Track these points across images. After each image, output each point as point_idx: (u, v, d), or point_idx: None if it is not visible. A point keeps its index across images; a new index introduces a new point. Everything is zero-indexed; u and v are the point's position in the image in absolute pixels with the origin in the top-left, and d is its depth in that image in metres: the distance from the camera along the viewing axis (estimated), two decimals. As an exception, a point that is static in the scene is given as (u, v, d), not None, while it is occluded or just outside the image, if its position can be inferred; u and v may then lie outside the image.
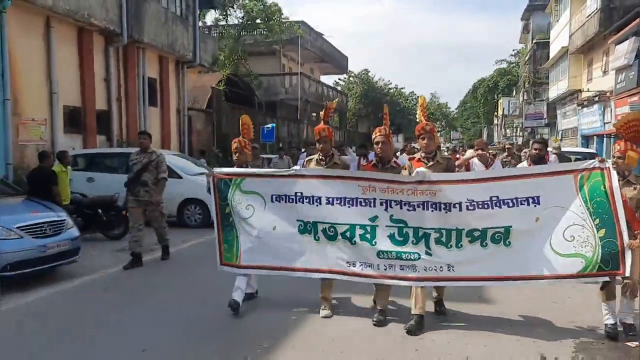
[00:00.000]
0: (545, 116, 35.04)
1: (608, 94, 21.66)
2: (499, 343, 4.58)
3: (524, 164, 7.32)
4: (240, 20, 30.04)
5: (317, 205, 5.18)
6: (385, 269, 5.02)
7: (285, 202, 5.30)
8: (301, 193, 5.22)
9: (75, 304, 5.90)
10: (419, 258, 4.92)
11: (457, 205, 4.85)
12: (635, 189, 4.75)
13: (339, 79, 53.69)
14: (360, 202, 5.05)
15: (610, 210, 4.62)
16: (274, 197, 5.33)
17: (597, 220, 4.65)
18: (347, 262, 5.13)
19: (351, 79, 55.03)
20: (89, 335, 4.84)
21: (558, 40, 29.90)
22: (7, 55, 10.81)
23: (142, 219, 7.64)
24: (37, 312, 5.61)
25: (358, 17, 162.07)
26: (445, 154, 10.19)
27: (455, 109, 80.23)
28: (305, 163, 5.67)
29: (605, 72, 22.78)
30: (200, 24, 22.51)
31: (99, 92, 14.20)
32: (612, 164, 4.71)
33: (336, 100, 5.33)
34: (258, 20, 29.88)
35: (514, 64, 53.94)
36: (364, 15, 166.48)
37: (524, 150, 13.82)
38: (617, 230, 4.60)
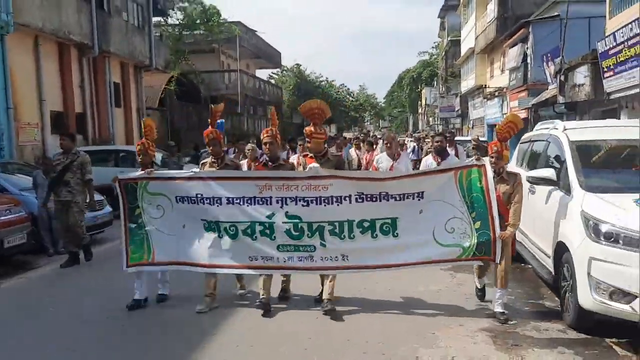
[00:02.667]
0: (458, 107, 39.11)
1: (505, 90, 25.52)
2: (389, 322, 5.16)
3: (429, 157, 7.48)
4: (181, 21, 31.96)
5: (218, 206, 5.38)
6: (285, 261, 5.33)
7: (189, 202, 5.47)
8: (201, 195, 5.41)
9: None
10: (315, 250, 5.26)
11: (347, 198, 5.19)
12: (507, 184, 5.11)
13: (273, 73, 55.71)
14: (258, 200, 5.30)
15: (485, 205, 4.98)
16: (178, 198, 5.50)
17: (474, 213, 5.05)
18: (250, 257, 5.39)
19: (284, 72, 57.24)
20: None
21: (467, 40, 33.59)
22: (8, 71, 12.97)
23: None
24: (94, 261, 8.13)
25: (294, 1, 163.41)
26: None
27: (383, 98, 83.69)
28: (200, 166, 5.87)
29: (502, 71, 26.52)
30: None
31: (76, 97, 16.42)
32: (491, 163, 5.08)
33: (222, 104, 6.68)
34: (198, 21, 31.91)
35: (435, 56, 56.62)
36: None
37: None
38: (490, 222, 4.99)
